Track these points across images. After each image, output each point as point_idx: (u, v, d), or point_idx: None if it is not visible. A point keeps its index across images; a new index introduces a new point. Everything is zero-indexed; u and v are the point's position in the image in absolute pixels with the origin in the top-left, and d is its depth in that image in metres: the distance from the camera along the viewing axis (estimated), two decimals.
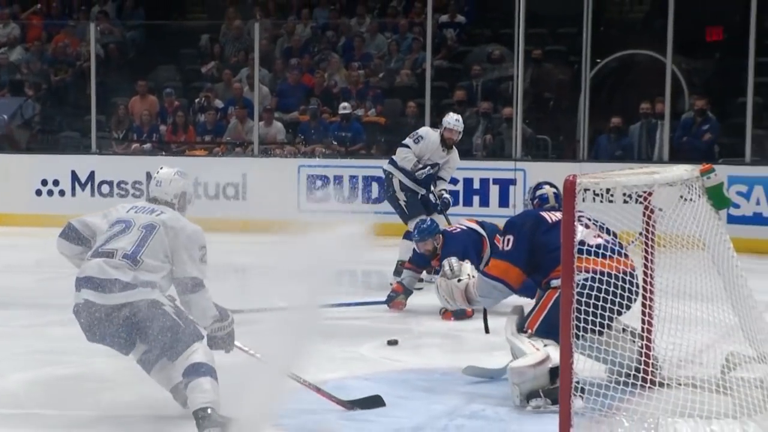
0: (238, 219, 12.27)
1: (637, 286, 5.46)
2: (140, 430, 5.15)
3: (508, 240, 5.66)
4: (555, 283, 5.44)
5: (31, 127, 15.49)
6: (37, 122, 15.51)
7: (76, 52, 15.71)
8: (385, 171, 9.78)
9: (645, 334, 5.48)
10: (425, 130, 9.89)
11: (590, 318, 4.96)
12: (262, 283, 6.63)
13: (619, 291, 5.22)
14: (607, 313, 5.10)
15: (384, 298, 8.23)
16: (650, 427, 4.81)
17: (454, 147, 9.69)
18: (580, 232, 5.09)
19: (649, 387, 5.37)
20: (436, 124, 13.32)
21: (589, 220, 5.53)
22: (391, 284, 8.58)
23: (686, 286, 5.44)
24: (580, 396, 4.85)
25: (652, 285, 5.51)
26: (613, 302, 5.15)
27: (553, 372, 5.15)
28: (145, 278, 5.03)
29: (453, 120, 9.60)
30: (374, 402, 5.39)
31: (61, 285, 8.96)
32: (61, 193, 13.78)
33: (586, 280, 5.08)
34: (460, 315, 7.56)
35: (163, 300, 5.06)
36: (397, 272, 9.05)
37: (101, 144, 14.49)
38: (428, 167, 9.55)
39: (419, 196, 9.60)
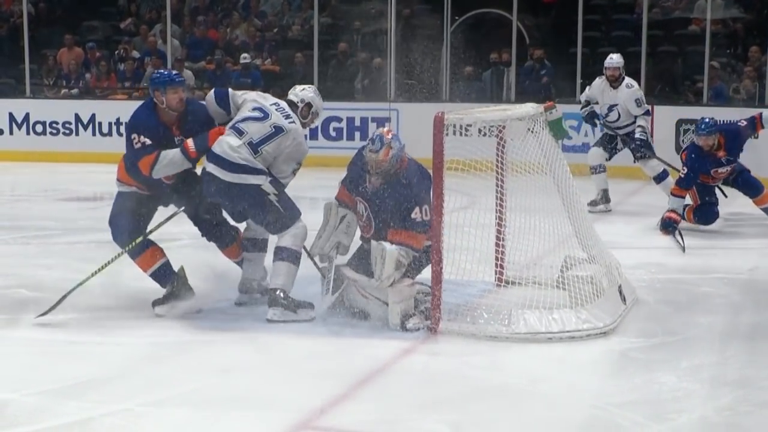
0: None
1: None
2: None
3: (426, 209, 5.02)
4: None
5: None
6: None
7: (9, 10, 15.16)
8: None
9: (500, 242, 5.53)
10: (596, 80, 9.26)
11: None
12: None
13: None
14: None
15: None
16: (504, 317, 4.89)
17: (623, 84, 8.96)
18: None
19: (503, 286, 5.46)
20: (323, 71, 13.26)
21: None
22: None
23: (532, 203, 5.53)
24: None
25: (504, 203, 5.56)
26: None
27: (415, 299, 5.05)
28: (258, 166, 5.09)
29: (608, 59, 9.09)
30: None
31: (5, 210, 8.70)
32: (0, 132, 13.27)
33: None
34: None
35: (267, 188, 5.10)
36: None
37: (34, 89, 14.00)
38: (590, 106, 9.16)
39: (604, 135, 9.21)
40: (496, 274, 5.52)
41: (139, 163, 5.11)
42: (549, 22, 13.72)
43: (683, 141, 11.18)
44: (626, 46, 12.86)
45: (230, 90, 5.40)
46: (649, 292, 5.84)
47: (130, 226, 5.26)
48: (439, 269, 4.86)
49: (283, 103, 5.29)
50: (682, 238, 7.31)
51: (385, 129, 5.21)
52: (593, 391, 4.19)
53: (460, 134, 5.20)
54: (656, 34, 12.62)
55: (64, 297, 5.19)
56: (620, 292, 5.36)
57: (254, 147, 5.09)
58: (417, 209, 4.99)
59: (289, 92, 5.41)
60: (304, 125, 5.31)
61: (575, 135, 11.67)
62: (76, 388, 4.10)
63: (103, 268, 5.32)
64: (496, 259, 5.54)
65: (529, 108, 5.42)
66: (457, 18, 13.42)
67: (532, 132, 5.37)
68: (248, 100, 5.27)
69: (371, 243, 5.03)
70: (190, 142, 5.13)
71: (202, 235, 5.56)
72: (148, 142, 5.09)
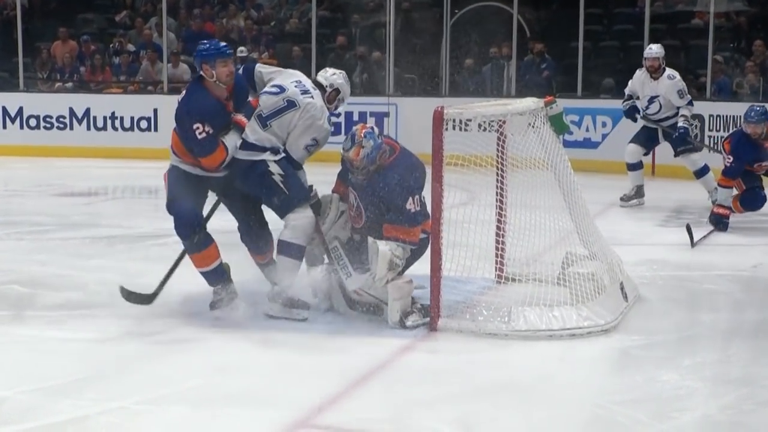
0: (150, 148, 12.07)
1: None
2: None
3: (418, 199, 5.00)
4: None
5: None
6: None
7: (3, 2, 15.10)
8: None
9: (500, 239, 5.52)
10: (636, 72, 9.20)
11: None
12: None
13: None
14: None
15: None
16: (504, 314, 4.88)
17: (664, 75, 8.91)
18: None
19: (503, 282, 5.46)
20: (321, 65, 13.22)
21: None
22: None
23: (532, 199, 5.53)
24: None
25: (504, 199, 5.55)
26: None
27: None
28: (267, 144, 5.09)
29: (647, 50, 9.09)
30: None
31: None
32: None
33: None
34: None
35: (273, 168, 5.07)
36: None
37: (28, 83, 13.96)
38: (632, 100, 9.07)
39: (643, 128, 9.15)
40: (496, 270, 5.51)
41: (206, 160, 5.02)
42: (550, 16, 13.72)
43: None
44: (628, 40, 12.89)
45: (257, 66, 5.40)
46: (651, 289, 5.84)
47: (191, 216, 5.11)
48: (439, 266, 4.85)
49: (306, 80, 5.29)
50: (691, 234, 7.28)
51: (361, 126, 5.10)
52: (594, 389, 4.18)
53: (460, 129, 5.19)
54: (659, 28, 12.59)
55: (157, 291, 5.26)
56: (622, 289, 5.36)
57: (263, 120, 5.12)
58: (410, 199, 4.91)
59: (318, 74, 5.40)
60: (327, 109, 5.28)
61: (576, 130, 11.68)
62: (72, 385, 4.09)
63: (174, 268, 5.31)
64: (496, 255, 5.53)
65: (530, 102, 5.41)
66: (456, 11, 13.40)
67: (532, 127, 5.36)
68: (274, 78, 5.30)
69: (368, 240, 4.99)
70: (240, 116, 5.10)
71: (241, 237, 5.41)
72: (211, 131, 4.98)
